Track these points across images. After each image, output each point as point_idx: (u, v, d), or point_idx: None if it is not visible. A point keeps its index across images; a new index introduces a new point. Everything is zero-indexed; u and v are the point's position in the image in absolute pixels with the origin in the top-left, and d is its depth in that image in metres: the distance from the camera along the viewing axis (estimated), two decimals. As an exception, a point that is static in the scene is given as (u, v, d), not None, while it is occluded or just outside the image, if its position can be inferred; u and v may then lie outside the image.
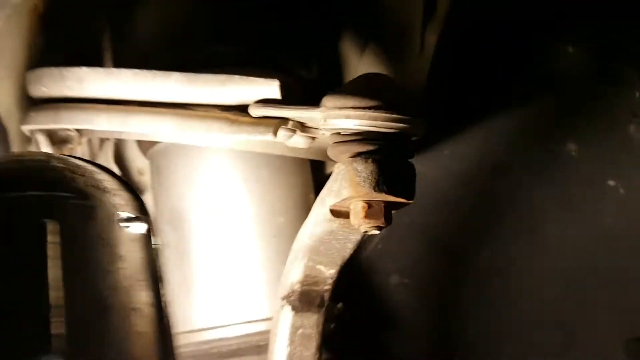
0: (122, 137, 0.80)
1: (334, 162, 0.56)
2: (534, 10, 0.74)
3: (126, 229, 0.47)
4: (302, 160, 0.81)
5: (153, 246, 0.50)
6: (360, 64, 1.01)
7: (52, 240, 0.43)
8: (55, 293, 0.41)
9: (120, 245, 0.46)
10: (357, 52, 1.00)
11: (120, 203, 0.48)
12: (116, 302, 0.44)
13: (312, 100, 0.75)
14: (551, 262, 0.84)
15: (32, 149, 0.77)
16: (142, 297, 0.47)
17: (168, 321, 0.52)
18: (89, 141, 0.90)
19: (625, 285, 0.83)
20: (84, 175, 0.47)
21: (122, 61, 0.85)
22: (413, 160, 0.54)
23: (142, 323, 0.46)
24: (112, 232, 0.46)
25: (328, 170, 0.89)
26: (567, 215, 0.81)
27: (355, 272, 0.72)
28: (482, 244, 0.85)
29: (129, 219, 0.47)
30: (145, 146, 0.81)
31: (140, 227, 0.48)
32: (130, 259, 0.47)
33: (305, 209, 0.80)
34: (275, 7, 0.79)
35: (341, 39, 1.01)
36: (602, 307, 0.84)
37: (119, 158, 0.98)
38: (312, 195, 0.83)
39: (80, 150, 0.86)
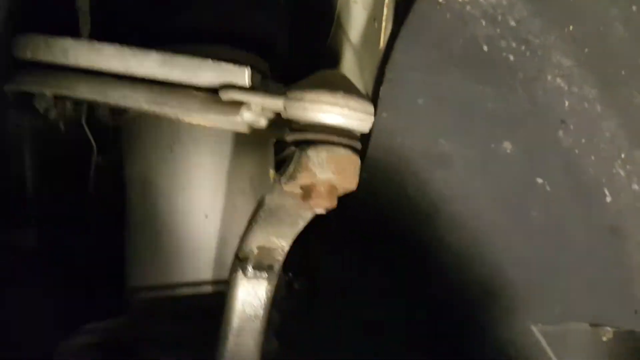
0: (99, 103, 0.84)
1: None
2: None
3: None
4: (264, 138, 0.87)
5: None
6: (329, 46, 1.07)
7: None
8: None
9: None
10: (328, 33, 1.06)
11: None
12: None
13: (278, 77, 0.81)
14: (481, 249, 0.92)
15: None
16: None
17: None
18: (63, 104, 0.94)
19: (548, 274, 0.93)
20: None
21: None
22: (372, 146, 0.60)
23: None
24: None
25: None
26: (498, 206, 0.90)
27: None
28: (419, 230, 0.94)
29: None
30: (118, 112, 0.86)
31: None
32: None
33: (265, 182, 0.86)
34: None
35: (311, 18, 1.05)
36: (531, 293, 0.93)
37: (91, 120, 1.03)
38: (272, 171, 0.90)
39: (55, 111, 0.90)
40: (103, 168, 1.01)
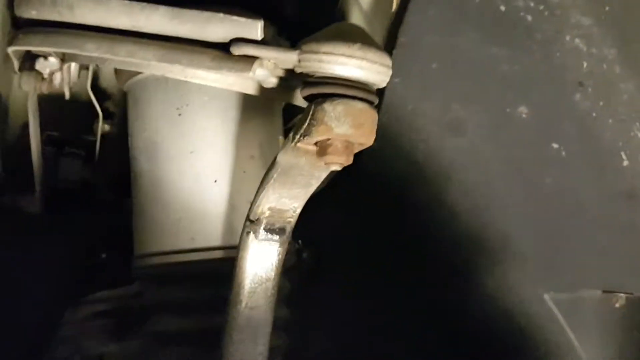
0: (105, 65, 0.82)
1: (302, 107, 0.61)
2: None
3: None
4: (273, 104, 0.86)
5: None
6: (338, 10, 1.04)
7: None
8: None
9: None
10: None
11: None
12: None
13: (289, 40, 0.79)
14: (493, 217, 0.91)
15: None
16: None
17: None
18: (68, 69, 0.92)
19: (561, 241, 0.91)
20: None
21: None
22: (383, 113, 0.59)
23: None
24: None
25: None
26: (511, 173, 0.88)
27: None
28: (430, 199, 0.92)
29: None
30: (123, 77, 0.84)
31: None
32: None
33: (274, 149, 0.85)
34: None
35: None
36: (543, 260, 0.92)
37: (96, 87, 1.01)
38: (281, 137, 0.89)
39: (60, 75, 0.88)
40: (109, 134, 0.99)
